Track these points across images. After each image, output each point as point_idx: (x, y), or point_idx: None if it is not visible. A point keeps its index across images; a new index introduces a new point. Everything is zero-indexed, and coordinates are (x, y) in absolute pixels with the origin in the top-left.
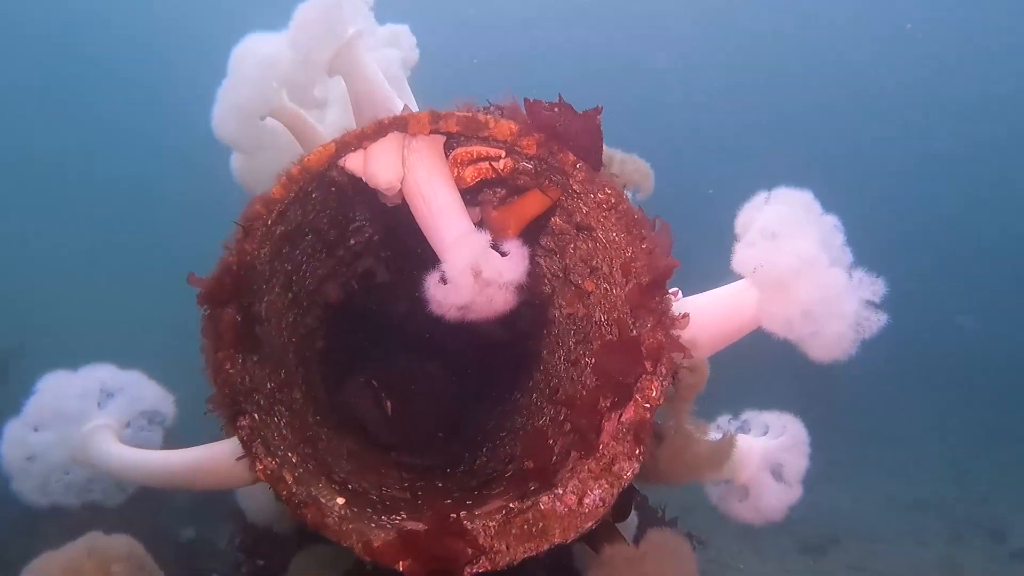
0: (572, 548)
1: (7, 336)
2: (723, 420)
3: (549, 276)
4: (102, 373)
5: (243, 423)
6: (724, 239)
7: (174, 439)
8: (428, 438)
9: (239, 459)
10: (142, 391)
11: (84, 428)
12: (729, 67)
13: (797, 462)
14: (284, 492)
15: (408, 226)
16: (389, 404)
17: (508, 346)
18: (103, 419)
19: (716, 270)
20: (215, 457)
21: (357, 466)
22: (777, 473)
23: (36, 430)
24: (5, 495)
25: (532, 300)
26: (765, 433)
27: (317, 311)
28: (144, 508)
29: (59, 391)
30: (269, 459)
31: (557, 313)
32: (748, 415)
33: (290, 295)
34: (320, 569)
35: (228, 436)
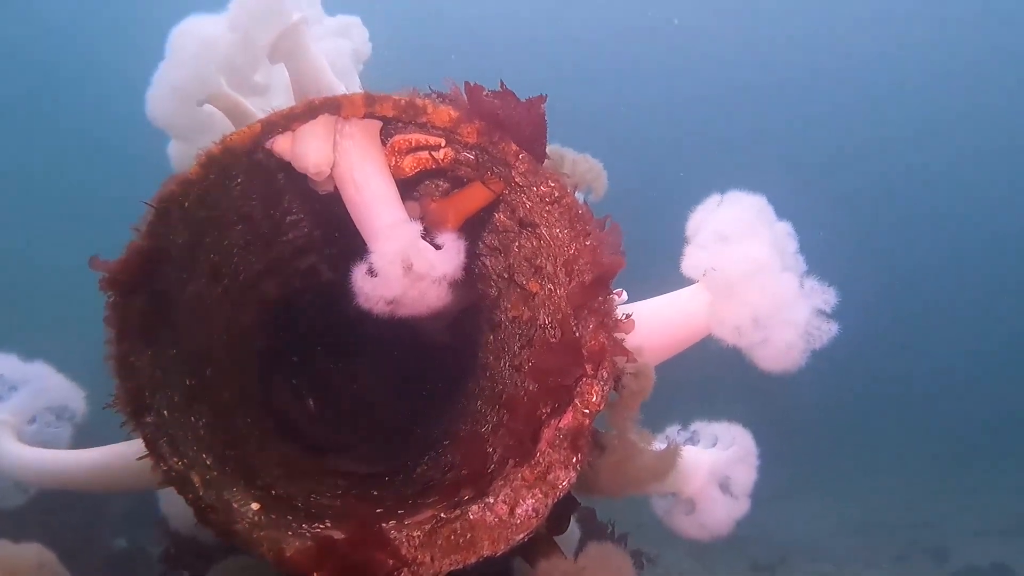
0: (510, 562)
1: None
2: (672, 431)
3: (495, 277)
4: (1, 364)
5: (148, 420)
6: (681, 245)
7: (88, 439)
8: (368, 444)
9: (140, 459)
10: (47, 384)
11: None
12: (698, 65)
13: (745, 475)
14: (190, 495)
15: (350, 222)
16: (311, 402)
17: (456, 351)
18: (1, 415)
19: (676, 277)
20: (122, 457)
21: (288, 472)
22: (725, 486)
23: None
24: None
25: (479, 303)
26: (714, 445)
27: (254, 310)
28: (73, 515)
29: None
30: (175, 459)
31: (503, 316)
32: (697, 426)
33: (220, 289)
34: None
35: (132, 434)
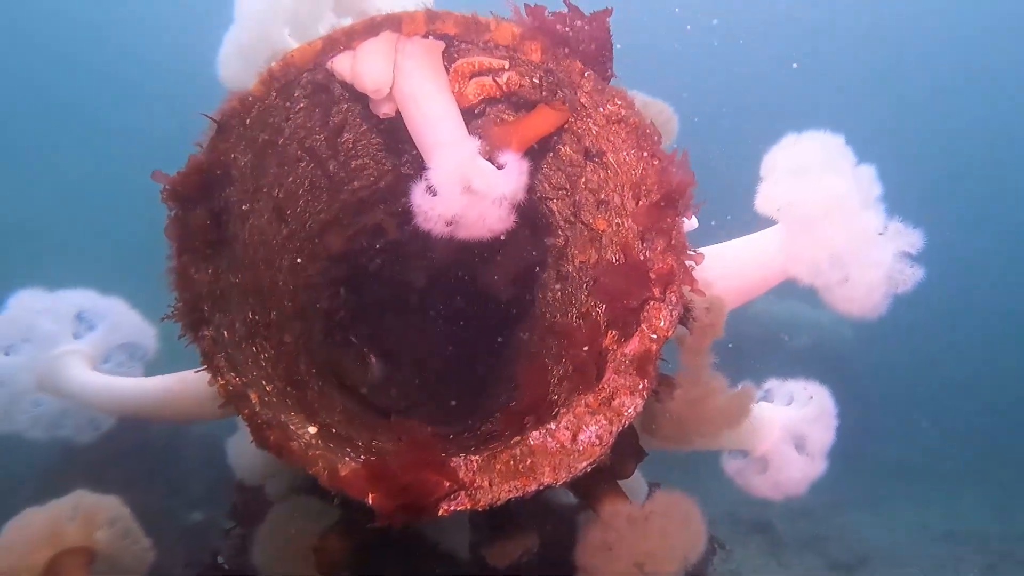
0: (577, 517)
1: None
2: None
3: (562, 224)
4: (80, 297)
5: (205, 332)
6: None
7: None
8: (431, 407)
9: (198, 371)
10: (121, 321)
11: (55, 352)
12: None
13: (822, 434)
14: (247, 411)
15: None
16: (374, 361)
17: (521, 311)
18: (77, 346)
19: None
20: (183, 381)
21: (349, 419)
22: (800, 445)
23: (6, 353)
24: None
25: (543, 257)
26: (789, 404)
27: (320, 263)
28: (154, 489)
29: (32, 309)
30: (233, 375)
31: (570, 267)
32: (771, 384)
33: (285, 231)
34: (299, 521)
35: (190, 345)
